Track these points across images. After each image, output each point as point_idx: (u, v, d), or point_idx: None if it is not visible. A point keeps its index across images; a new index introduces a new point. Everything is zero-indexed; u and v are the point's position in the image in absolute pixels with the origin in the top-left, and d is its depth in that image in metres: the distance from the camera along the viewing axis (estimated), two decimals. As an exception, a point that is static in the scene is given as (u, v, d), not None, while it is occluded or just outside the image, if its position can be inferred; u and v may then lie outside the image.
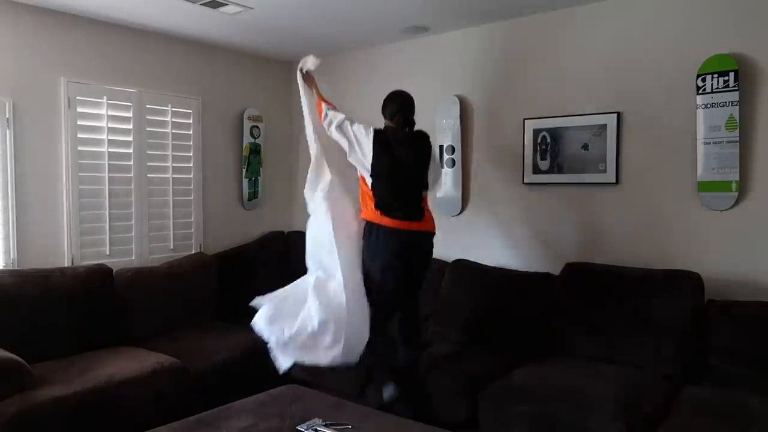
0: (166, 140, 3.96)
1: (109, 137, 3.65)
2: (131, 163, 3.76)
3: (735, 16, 2.87)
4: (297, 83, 3.19)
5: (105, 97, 3.62)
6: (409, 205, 2.84)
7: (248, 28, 3.82)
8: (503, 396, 2.58)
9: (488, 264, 3.61)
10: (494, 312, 3.33)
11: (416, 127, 3.06)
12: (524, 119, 3.56)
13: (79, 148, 3.52)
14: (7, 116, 3.24)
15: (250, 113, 4.49)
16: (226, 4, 3.31)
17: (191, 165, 4.12)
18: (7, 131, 3.24)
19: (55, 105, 3.44)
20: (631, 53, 3.18)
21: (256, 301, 3.04)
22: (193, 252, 4.09)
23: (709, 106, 2.90)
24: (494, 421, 2.54)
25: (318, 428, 2.13)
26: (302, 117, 3.20)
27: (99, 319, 3.29)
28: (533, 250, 3.57)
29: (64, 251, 3.48)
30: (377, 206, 2.83)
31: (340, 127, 2.97)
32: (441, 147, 3.90)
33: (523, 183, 3.59)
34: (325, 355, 2.83)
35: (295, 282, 3.12)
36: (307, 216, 3.15)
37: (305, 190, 3.15)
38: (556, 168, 3.46)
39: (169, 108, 3.96)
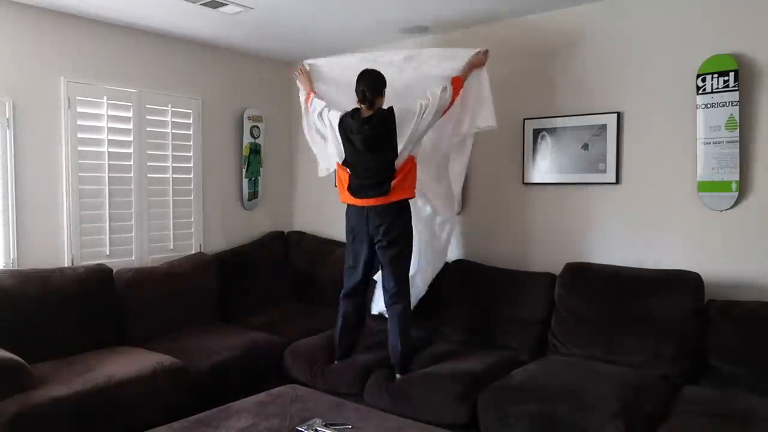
0: (166, 140, 3.96)
1: (109, 137, 3.65)
2: (131, 163, 3.76)
3: (735, 16, 2.87)
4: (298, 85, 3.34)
5: (105, 97, 3.62)
6: (371, 185, 3.02)
7: (248, 28, 3.82)
8: (503, 396, 2.58)
9: (488, 264, 3.61)
10: (494, 312, 3.33)
11: None
12: (524, 119, 3.56)
13: (79, 148, 3.52)
14: (7, 116, 3.24)
15: (250, 113, 4.49)
16: (226, 4, 3.31)
17: (191, 165, 4.12)
18: (7, 131, 3.24)
19: (55, 105, 3.44)
20: (631, 53, 3.18)
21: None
22: (193, 252, 4.09)
23: (709, 106, 2.90)
24: (494, 421, 2.54)
25: (318, 428, 2.13)
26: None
27: (99, 320, 3.29)
28: (533, 250, 3.57)
29: (64, 251, 3.48)
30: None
31: (320, 115, 3.25)
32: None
33: (523, 183, 3.59)
34: None
35: None
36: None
37: None
38: (556, 168, 3.46)
39: (169, 108, 3.96)
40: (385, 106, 3.05)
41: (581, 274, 3.13)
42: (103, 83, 3.63)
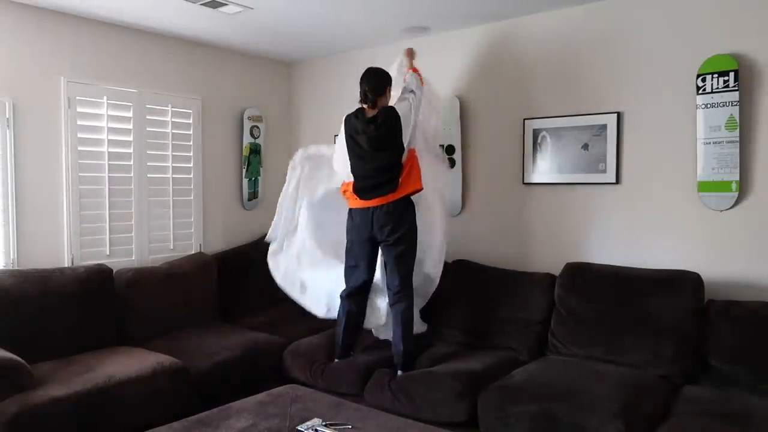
0: (166, 140, 3.96)
1: (109, 137, 3.65)
2: (131, 163, 3.76)
3: (735, 16, 2.87)
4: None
5: (105, 97, 3.62)
6: (379, 184, 3.03)
7: (248, 28, 3.82)
8: (503, 396, 2.58)
9: (488, 264, 3.61)
10: (494, 312, 3.33)
11: None
12: (524, 119, 3.56)
13: (79, 148, 3.52)
14: (7, 116, 3.24)
15: (250, 113, 4.49)
16: (226, 4, 3.31)
17: (191, 165, 4.12)
18: (7, 131, 3.24)
19: (55, 105, 3.44)
20: (631, 53, 3.18)
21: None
22: (193, 252, 4.09)
23: (709, 106, 2.90)
24: (494, 420, 2.54)
25: (318, 428, 2.13)
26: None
27: (99, 319, 3.29)
28: (533, 250, 3.57)
29: (64, 251, 3.49)
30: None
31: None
32: (441, 147, 3.89)
33: (523, 183, 3.59)
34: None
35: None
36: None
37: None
38: (556, 168, 3.46)
39: (169, 108, 3.96)
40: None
41: (581, 274, 3.13)
42: (103, 83, 3.63)
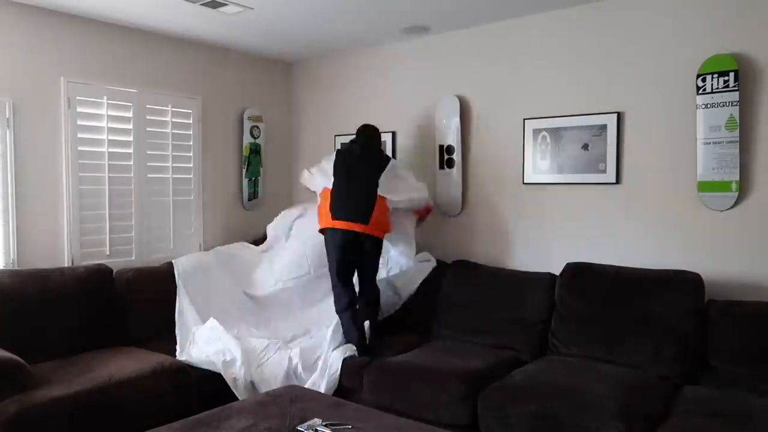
0: (166, 140, 3.96)
1: (109, 137, 3.65)
2: (131, 163, 3.76)
3: (735, 16, 2.87)
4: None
5: (105, 97, 3.62)
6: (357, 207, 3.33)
7: (248, 28, 3.82)
8: (503, 396, 2.57)
9: (488, 264, 3.61)
10: (494, 312, 3.33)
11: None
12: (524, 119, 3.56)
13: (79, 148, 3.52)
14: (7, 116, 3.24)
15: (250, 113, 4.49)
16: (226, 4, 3.31)
17: (191, 165, 4.12)
18: (7, 131, 3.24)
19: (55, 105, 3.44)
20: (631, 53, 3.18)
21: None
22: (193, 252, 4.09)
23: (709, 106, 2.90)
24: (494, 421, 2.54)
25: (318, 428, 2.13)
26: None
27: (99, 320, 3.29)
28: (533, 250, 3.57)
29: (64, 251, 3.49)
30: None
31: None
32: (441, 147, 3.90)
33: (523, 183, 3.59)
34: None
35: None
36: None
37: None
38: (556, 168, 3.46)
39: (169, 108, 3.96)
40: None
41: (581, 275, 3.13)
42: (103, 83, 3.63)
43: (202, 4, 3.30)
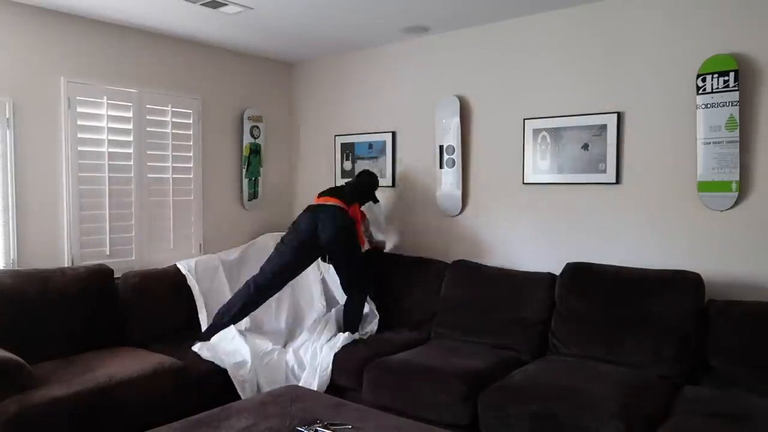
0: (166, 140, 3.96)
1: (109, 137, 3.65)
2: (131, 163, 3.76)
3: (735, 16, 2.87)
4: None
5: (105, 97, 3.62)
6: None
7: (248, 28, 3.82)
8: (503, 396, 2.57)
9: (488, 264, 3.61)
10: (494, 312, 3.33)
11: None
12: (524, 119, 3.56)
13: (79, 148, 3.52)
14: (7, 116, 3.24)
15: (250, 113, 4.49)
16: (226, 4, 3.31)
17: (191, 165, 4.12)
18: (7, 131, 3.24)
19: (55, 105, 3.44)
20: (631, 53, 3.18)
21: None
22: (193, 252, 4.09)
23: (709, 106, 2.90)
24: (494, 421, 2.54)
25: (318, 428, 2.13)
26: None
27: (99, 320, 3.29)
28: (533, 250, 3.57)
29: (64, 251, 3.48)
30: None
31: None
32: (441, 147, 3.89)
33: (523, 183, 3.59)
34: None
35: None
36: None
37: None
38: (556, 168, 3.46)
39: (169, 108, 3.96)
40: None
41: (581, 275, 3.13)
42: (103, 83, 3.63)
43: (202, 4, 3.30)
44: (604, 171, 3.27)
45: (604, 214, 3.30)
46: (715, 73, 2.88)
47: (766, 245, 2.81)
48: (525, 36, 3.57)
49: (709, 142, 2.90)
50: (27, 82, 3.33)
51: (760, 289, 2.80)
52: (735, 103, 2.83)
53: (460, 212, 3.87)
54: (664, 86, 3.07)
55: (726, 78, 2.84)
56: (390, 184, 4.21)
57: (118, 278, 3.50)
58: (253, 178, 4.56)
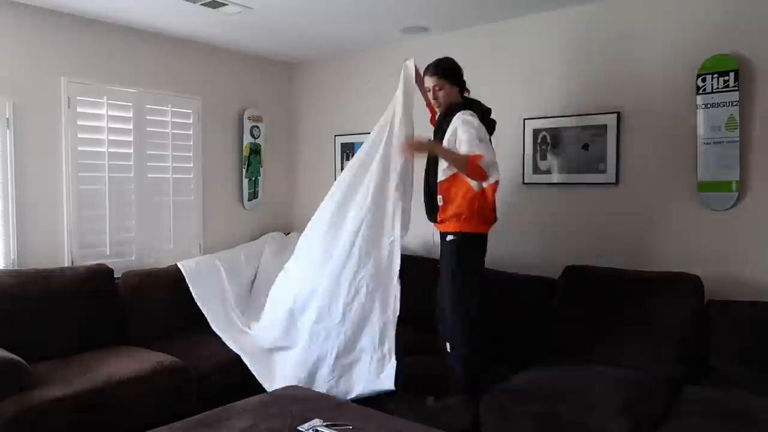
0: (166, 140, 3.95)
1: (109, 137, 3.64)
2: (131, 163, 3.76)
3: (735, 16, 2.87)
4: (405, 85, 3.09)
5: (105, 97, 3.62)
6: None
7: (248, 28, 3.82)
8: (505, 398, 2.57)
9: (488, 266, 3.59)
10: (494, 315, 3.31)
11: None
12: (524, 119, 3.56)
13: (79, 148, 3.51)
14: (7, 116, 3.23)
15: (250, 113, 4.49)
16: (226, 4, 3.31)
17: (191, 165, 4.12)
18: (7, 131, 3.24)
19: (55, 105, 3.43)
20: (631, 53, 3.18)
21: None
22: (193, 252, 4.10)
23: (709, 106, 2.90)
24: (496, 422, 2.54)
25: (318, 428, 2.13)
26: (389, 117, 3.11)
27: (99, 320, 3.29)
28: (533, 250, 3.56)
29: (64, 251, 3.48)
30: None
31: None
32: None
33: (523, 183, 3.59)
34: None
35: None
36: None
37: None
38: (556, 168, 3.46)
39: (169, 108, 3.96)
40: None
41: (581, 277, 3.13)
42: (103, 83, 3.63)
43: (202, 4, 3.30)
44: (604, 171, 3.27)
45: (604, 215, 3.30)
46: (715, 73, 2.88)
47: (766, 245, 2.82)
48: (525, 36, 3.57)
49: (709, 142, 2.90)
50: (27, 82, 3.32)
51: (760, 289, 2.79)
52: (735, 103, 2.83)
53: (460, 212, 3.86)
54: (664, 86, 3.07)
55: (726, 78, 2.84)
56: (390, 184, 4.21)
57: (118, 278, 3.50)
58: (253, 178, 4.56)
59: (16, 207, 3.28)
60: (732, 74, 2.83)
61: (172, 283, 3.66)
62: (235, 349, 3.34)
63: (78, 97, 3.51)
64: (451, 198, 2.76)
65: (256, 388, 3.16)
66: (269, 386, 3.06)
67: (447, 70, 2.91)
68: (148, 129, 3.84)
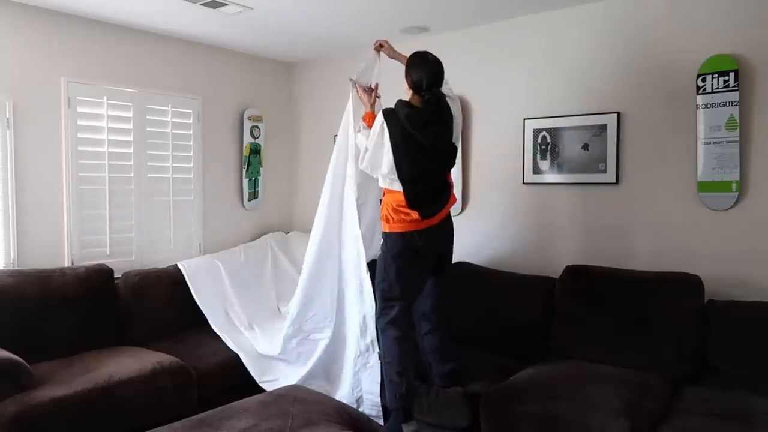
0: (166, 140, 3.95)
1: (109, 137, 3.64)
2: (131, 163, 3.76)
3: (735, 16, 2.87)
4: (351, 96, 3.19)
5: (105, 97, 3.62)
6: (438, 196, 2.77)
7: (248, 28, 3.82)
8: (504, 397, 2.57)
9: (488, 266, 3.60)
10: (494, 315, 3.32)
11: None
12: (524, 119, 3.56)
13: (79, 148, 3.51)
14: (7, 116, 3.23)
15: (250, 113, 4.49)
16: (226, 4, 3.31)
17: (191, 165, 4.12)
18: (7, 131, 3.24)
19: (55, 105, 3.43)
20: (631, 53, 3.18)
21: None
22: (193, 252, 4.09)
23: (709, 106, 2.90)
24: (496, 422, 2.54)
25: None
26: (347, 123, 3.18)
27: (99, 319, 3.29)
28: (533, 251, 3.56)
29: (64, 251, 3.48)
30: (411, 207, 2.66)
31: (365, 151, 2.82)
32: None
33: (523, 183, 3.59)
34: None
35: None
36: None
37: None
38: (556, 168, 3.46)
39: (169, 108, 3.96)
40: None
41: (581, 277, 3.13)
42: (103, 83, 3.63)
43: (202, 4, 3.30)
44: (604, 171, 3.27)
45: (604, 215, 3.30)
46: (715, 73, 2.88)
47: (766, 245, 2.82)
48: (525, 36, 3.57)
49: (709, 142, 2.90)
50: (27, 82, 3.32)
51: (760, 289, 2.79)
52: (735, 103, 2.83)
53: (460, 212, 3.86)
54: (664, 86, 3.07)
55: (726, 78, 2.84)
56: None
57: (118, 278, 3.50)
58: (253, 178, 4.56)
59: (16, 207, 3.28)
60: (732, 74, 2.83)
61: (172, 283, 3.66)
62: (234, 349, 3.35)
63: (78, 97, 3.51)
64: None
65: (256, 388, 3.16)
66: (268, 386, 3.08)
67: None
68: (148, 129, 3.84)
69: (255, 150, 4.55)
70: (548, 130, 3.48)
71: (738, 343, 2.64)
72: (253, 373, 3.25)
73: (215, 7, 3.35)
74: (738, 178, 2.84)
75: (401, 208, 2.67)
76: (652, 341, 2.80)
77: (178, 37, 4.02)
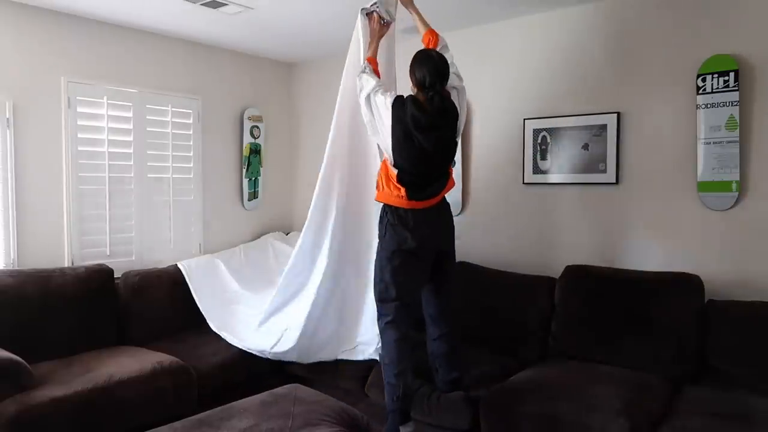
0: (166, 140, 3.95)
1: (109, 137, 3.64)
2: (131, 163, 3.76)
3: (735, 16, 2.87)
4: (356, 28, 3.05)
5: (105, 97, 3.62)
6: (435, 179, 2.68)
7: (248, 28, 3.82)
8: (504, 398, 2.57)
9: (488, 266, 3.60)
10: (494, 315, 3.32)
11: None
12: (524, 119, 3.57)
13: (80, 148, 3.51)
14: (7, 116, 3.23)
15: (250, 113, 4.49)
16: (226, 4, 3.31)
17: (191, 165, 4.12)
18: (7, 131, 3.24)
19: (56, 105, 3.43)
20: (631, 53, 3.19)
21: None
22: (193, 252, 4.09)
23: (709, 106, 2.90)
24: (496, 422, 2.54)
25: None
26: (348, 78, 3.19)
27: (99, 319, 3.29)
28: (533, 251, 3.56)
29: (64, 251, 3.48)
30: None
31: (368, 98, 2.68)
32: None
33: (523, 183, 3.59)
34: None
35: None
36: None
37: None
38: (556, 168, 3.46)
39: (169, 108, 3.96)
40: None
41: (581, 277, 3.12)
42: (103, 83, 3.63)
43: (202, 4, 3.30)
44: (604, 171, 3.28)
45: (604, 215, 3.30)
46: (715, 73, 2.88)
47: (766, 245, 2.82)
48: (525, 36, 3.57)
49: (709, 142, 2.91)
50: (27, 82, 3.32)
51: (760, 289, 2.79)
52: (735, 103, 2.83)
53: (460, 212, 3.86)
54: (664, 86, 3.08)
55: (726, 78, 2.85)
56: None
57: (118, 278, 3.50)
58: (253, 178, 4.56)
59: (16, 207, 3.28)
60: (732, 74, 2.83)
61: (172, 283, 3.66)
62: (235, 344, 3.33)
63: (78, 97, 3.51)
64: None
65: (257, 388, 3.15)
66: (280, 347, 3.17)
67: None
68: (148, 129, 3.84)
69: (255, 150, 4.55)
70: (548, 130, 3.48)
71: (738, 343, 2.65)
72: (257, 350, 3.24)
73: (215, 7, 3.35)
74: (738, 178, 2.84)
75: (394, 182, 2.63)
76: (652, 341, 2.80)
77: (178, 37, 4.02)
